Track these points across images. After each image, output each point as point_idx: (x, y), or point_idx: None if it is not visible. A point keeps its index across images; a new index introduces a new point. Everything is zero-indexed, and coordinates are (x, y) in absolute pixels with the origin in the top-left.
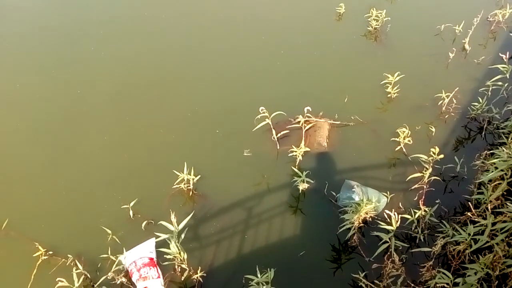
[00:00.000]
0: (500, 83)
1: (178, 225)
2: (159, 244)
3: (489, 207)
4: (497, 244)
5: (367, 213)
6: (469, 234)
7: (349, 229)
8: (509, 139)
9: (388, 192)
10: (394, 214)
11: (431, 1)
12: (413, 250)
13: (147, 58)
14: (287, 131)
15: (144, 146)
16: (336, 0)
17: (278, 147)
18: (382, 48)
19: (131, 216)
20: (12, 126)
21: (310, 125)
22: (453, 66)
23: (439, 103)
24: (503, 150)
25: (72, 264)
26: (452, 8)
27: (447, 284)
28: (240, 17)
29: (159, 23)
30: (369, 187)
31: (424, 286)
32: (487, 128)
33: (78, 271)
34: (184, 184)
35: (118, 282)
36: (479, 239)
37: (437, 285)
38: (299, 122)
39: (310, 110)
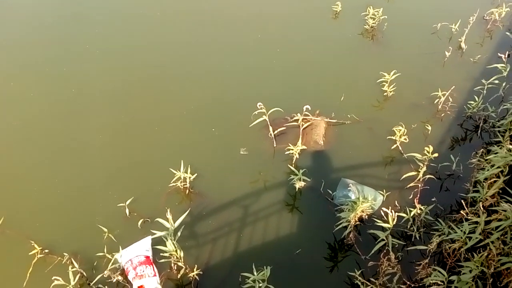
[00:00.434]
0: (497, 81)
1: (174, 223)
2: (155, 242)
3: (481, 205)
4: (492, 242)
5: (363, 211)
6: (464, 232)
7: (345, 227)
8: (505, 137)
9: (384, 191)
10: (391, 212)
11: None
12: (409, 248)
13: (143, 56)
14: (284, 128)
15: (140, 144)
16: None
17: (275, 145)
18: (378, 46)
19: (127, 214)
20: (7, 124)
21: (308, 123)
22: (449, 65)
23: (435, 102)
24: (501, 147)
25: (68, 262)
26: (449, 7)
27: (442, 282)
28: (236, 15)
29: (154, 21)
30: (365, 185)
31: (420, 284)
32: (483, 126)
33: (74, 269)
34: (181, 182)
35: (114, 280)
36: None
37: (432, 282)
38: (296, 120)
39: (309, 108)
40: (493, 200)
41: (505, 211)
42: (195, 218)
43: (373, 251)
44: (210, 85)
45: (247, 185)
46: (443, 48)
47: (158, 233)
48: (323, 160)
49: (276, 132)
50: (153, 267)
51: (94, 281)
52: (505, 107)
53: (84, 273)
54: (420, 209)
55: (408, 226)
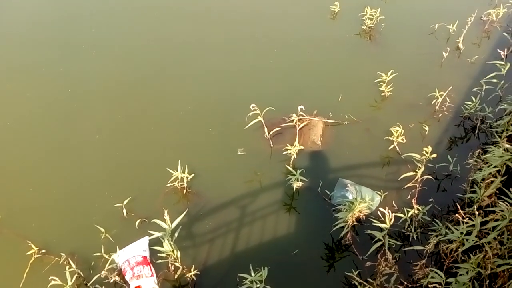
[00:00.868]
0: (495, 80)
1: (171, 223)
2: (152, 243)
3: (476, 207)
4: (488, 243)
5: (360, 212)
6: (461, 233)
7: (343, 227)
8: (502, 138)
9: (381, 191)
10: (388, 212)
11: (425, 0)
12: (406, 249)
13: (139, 56)
14: (279, 128)
15: (137, 145)
16: None
17: (272, 146)
18: (376, 46)
19: (125, 215)
20: (2, 124)
21: (304, 123)
22: (447, 65)
23: (432, 102)
24: (498, 146)
25: (65, 262)
26: (446, 8)
27: (439, 283)
28: (233, 15)
29: (150, 21)
30: (363, 185)
31: (417, 285)
32: (480, 127)
33: (71, 269)
34: (178, 182)
35: (111, 280)
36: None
37: (430, 284)
38: (292, 120)
39: (304, 109)
40: (490, 200)
41: (502, 211)
42: (192, 218)
43: (370, 252)
44: (207, 85)
45: (244, 185)
46: (441, 48)
47: (156, 234)
48: (320, 160)
49: (272, 132)
50: (151, 268)
51: (91, 282)
52: (502, 107)
53: (81, 273)
54: (418, 209)
55: (406, 227)
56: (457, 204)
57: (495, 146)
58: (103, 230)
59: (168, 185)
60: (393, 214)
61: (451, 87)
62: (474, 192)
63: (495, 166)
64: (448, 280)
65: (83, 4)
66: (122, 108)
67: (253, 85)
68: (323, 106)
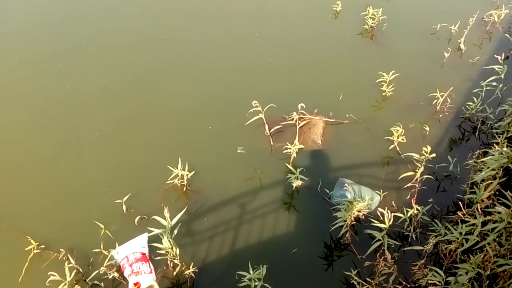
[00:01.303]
0: (494, 83)
1: (171, 220)
2: (151, 239)
3: (479, 207)
4: (488, 244)
5: (359, 211)
6: (460, 233)
7: (342, 226)
8: (502, 139)
9: (381, 191)
10: (387, 213)
11: (427, 0)
12: (405, 248)
13: (139, 54)
14: (280, 126)
15: (137, 142)
16: None
17: (272, 144)
18: (377, 46)
19: (124, 211)
20: (2, 120)
21: (304, 122)
22: (448, 66)
23: (433, 102)
24: (495, 149)
25: (64, 258)
26: (448, 8)
27: (439, 282)
28: (234, 13)
29: (150, 18)
30: (362, 185)
31: (416, 285)
32: (481, 128)
33: (70, 265)
34: (178, 180)
35: (110, 277)
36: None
37: (429, 282)
38: (293, 119)
39: (304, 107)
40: (489, 201)
41: (499, 213)
42: (192, 216)
43: (369, 251)
44: (207, 82)
45: (244, 183)
46: (442, 49)
47: (155, 231)
48: (320, 159)
49: (273, 130)
50: (149, 264)
51: (90, 277)
52: (503, 108)
53: (80, 269)
54: (417, 209)
55: (405, 227)
56: (460, 202)
57: (494, 148)
58: (102, 226)
59: (168, 182)
60: (392, 214)
61: (452, 87)
62: (474, 193)
63: (493, 169)
64: (447, 279)
65: (84, 1)
66: (122, 105)
67: (253, 83)
68: (323, 105)
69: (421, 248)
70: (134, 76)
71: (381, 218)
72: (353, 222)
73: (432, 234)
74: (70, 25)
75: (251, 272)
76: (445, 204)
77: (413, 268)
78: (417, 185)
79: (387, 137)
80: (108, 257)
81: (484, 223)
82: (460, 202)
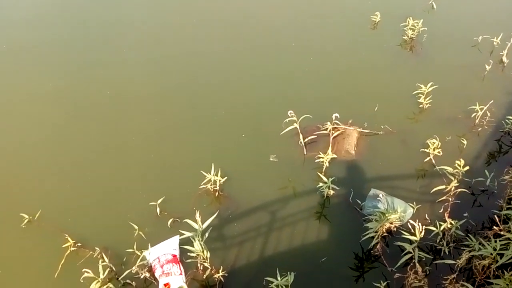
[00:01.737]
0: None
1: (202, 224)
2: (183, 242)
3: None
4: None
5: (391, 223)
6: (494, 249)
7: (373, 237)
8: None
9: (414, 203)
10: (418, 225)
11: (469, 12)
12: (437, 262)
13: (177, 62)
14: (314, 136)
15: (172, 147)
16: (372, 9)
17: (305, 153)
18: (416, 57)
19: (158, 214)
20: (44, 123)
21: (338, 132)
22: (489, 79)
23: (472, 116)
24: None
25: (98, 256)
26: (491, 20)
27: None
28: (271, 24)
29: (189, 29)
30: (395, 197)
31: None
32: None
33: (104, 263)
34: (211, 185)
35: (142, 276)
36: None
37: None
38: (327, 129)
39: (338, 116)
40: None
41: None
42: (223, 221)
43: (399, 263)
44: (242, 91)
45: (275, 191)
46: (483, 61)
47: (187, 233)
48: (353, 170)
49: (306, 140)
50: (180, 266)
51: (122, 276)
52: None
53: (113, 268)
54: (451, 223)
55: (438, 240)
56: (495, 216)
57: None
58: (136, 227)
59: (201, 187)
60: (424, 227)
61: (492, 101)
62: (511, 209)
63: None
64: None
65: (127, 11)
66: (159, 112)
67: (288, 93)
68: (358, 115)
69: (453, 262)
70: (173, 84)
71: (413, 230)
72: (385, 234)
73: (465, 249)
74: (112, 33)
75: (278, 278)
76: (481, 219)
77: (444, 282)
78: (450, 199)
79: (423, 150)
80: (140, 257)
81: None
82: (496, 217)
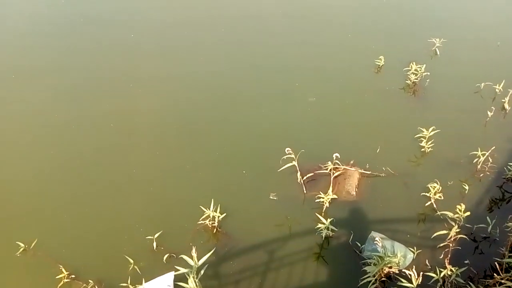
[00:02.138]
0: None
1: (198, 261)
2: (178, 278)
3: None
4: None
5: (390, 268)
6: None
7: (370, 282)
8: None
9: (415, 248)
10: (413, 273)
11: (472, 58)
12: None
13: (179, 98)
14: (312, 174)
15: (172, 181)
16: (376, 53)
17: (305, 192)
18: (419, 101)
19: (154, 248)
20: (45, 154)
21: (338, 172)
22: (491, 125)
23: (474, 161)
24: None
25: None
26: (493, 67)
27: None
28: (276, 66)
29: (193, 63)
30: (396, 241)
31: None
32: None
33: None
34: (209, 221)
35: None
36: None
37: None
38: (327, 168)
39: (339, 156)
40: None
41: None
42: (219, 258)
43: None
44: (244, 129)
45: (274, 229)
46: (486, 107)
47: (182, 270)
48: (354, 211)
49: (305, 178)
50: None
51: None
52: None
53: None
54: (451, 270)
55: (437, 287)
56: (496, 263)
57: None
58: (131, 261)
59: (199, 222)
60: (425, 273)
61: (494, 147)
62: None
63: None
64: None
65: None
66: (160, 146)
67: (290, 132)
68: (360, 156)
69: None
70: (173, 120)
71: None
72: (383, 278)
73: None
74: (119, 67)
75: None
76: (482, 266)
77: None
78: (451, 245)
79: (424, 193)
80: None
81: None
82: (498, 265)
